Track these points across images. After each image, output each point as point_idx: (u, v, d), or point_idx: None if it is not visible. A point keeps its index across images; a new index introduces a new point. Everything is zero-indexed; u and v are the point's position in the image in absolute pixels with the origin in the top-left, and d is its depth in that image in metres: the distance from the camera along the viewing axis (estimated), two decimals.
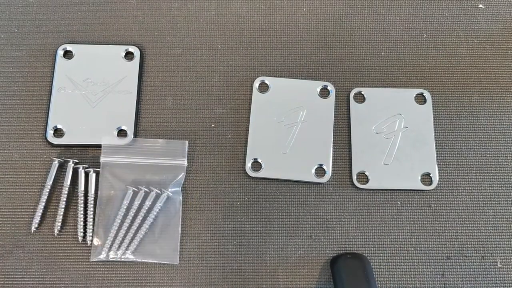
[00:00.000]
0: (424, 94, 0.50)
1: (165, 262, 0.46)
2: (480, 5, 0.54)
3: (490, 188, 0.48)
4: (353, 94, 0.51)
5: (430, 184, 0.48)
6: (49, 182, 0.47)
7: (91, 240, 0.46)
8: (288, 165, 0.48)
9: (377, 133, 0.49)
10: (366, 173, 0.48)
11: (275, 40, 0.53)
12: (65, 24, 0.53)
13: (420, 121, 0.50)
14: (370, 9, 0.54)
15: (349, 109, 0.50)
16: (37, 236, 0.46)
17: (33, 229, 0.46)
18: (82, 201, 0.47)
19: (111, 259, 0.45)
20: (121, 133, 0.49)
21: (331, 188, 0.48)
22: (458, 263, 0.46)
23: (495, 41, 0.53)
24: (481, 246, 0.47)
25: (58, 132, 0.49)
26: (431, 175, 0.48)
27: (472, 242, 0.47)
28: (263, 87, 0.51)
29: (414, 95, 0.50)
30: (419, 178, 0.48)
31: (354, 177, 0.48)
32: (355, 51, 0.53)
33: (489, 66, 0.52)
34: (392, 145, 0.49)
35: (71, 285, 0.45)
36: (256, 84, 0.51)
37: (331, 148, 0.49)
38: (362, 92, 0.51)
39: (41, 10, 0.54)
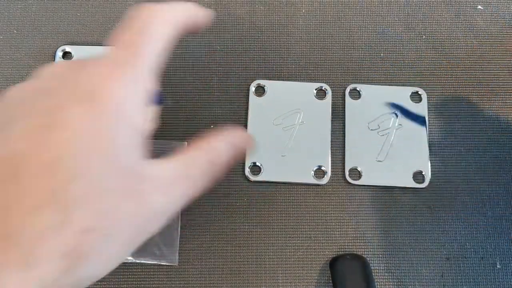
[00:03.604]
0: (419, 93, 0.50)
1: (164, 263, 0.46)
2: (479, 6, 0.54)
3: (490, 188, 0.48)
4: (348, 90, 0.51)
5: (422, 182, 0.48)
6: None
7: None
8: (288, 167, 0.48)
9: (371, 130, 0.49)
10: (359, 169, 0.48)
11: (274, 41, 0.53)
12: (64, 26, 0.53)
13: (414, 119, 0.50)
14: (369, 11, 0.54)
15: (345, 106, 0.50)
16: None
17: None
18: None
19: None
20: None
21: (330, 189, 0.48)
22: (457, 264, 0.46)
23: (494, 42, 0.53)
24: (480, 247, 0.47)
25: None
26: (423, 173, 0.48)
27: (472, 243, 0.47)
28: (260, 91, 0.51)
29: (410, 94, 0.50)
30: (411, 176, 0.48)
31: (347, 173, 0.48)
32: (354, 52, 0.53)
33: (488, 67, 0.52)
34: (386, 142, 0.49)
35: None
36: (252, 87, 0.50)
37: (330, 150, 0.49)
38: (358, 89, 0.51)
39: (40, 11, 0.54)
